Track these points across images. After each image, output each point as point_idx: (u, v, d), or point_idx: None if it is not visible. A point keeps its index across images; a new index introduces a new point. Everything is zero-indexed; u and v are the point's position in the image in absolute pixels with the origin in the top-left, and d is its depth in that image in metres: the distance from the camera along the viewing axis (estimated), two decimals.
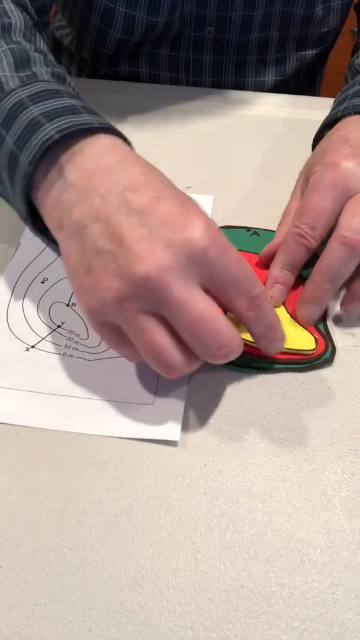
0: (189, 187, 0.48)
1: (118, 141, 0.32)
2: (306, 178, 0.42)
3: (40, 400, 0.34)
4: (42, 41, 0.42)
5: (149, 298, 0.28)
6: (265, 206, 0.46)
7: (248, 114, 0.56)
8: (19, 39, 0.39)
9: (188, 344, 0.29)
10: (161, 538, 0.29)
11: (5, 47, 0.37)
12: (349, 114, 0.42)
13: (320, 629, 0.27)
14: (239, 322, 0.32)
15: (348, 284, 0.37)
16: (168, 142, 0.52)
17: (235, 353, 0.30)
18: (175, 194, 0.30)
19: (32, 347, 0.36)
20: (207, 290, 0.29)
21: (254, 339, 0.33)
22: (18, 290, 0.39)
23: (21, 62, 0.36)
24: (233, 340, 0.29)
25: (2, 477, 0.31)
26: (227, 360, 0.30)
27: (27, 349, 0.36)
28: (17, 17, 0.41)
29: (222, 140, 0.53)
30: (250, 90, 0.64)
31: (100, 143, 0.32)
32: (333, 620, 0.27)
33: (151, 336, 0.29)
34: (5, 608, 0.27)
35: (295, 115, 0.56)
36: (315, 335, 0.37)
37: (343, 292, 0.39)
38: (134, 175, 0.30)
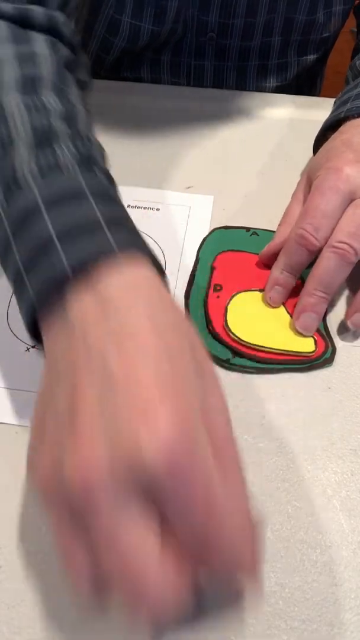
0: (189, 187, 0.48)
1: (143, 271, 0.26)
2: (308, 181, 0.42)
3: None
4: (74, 90, 0.36)
5: (72, 503, 0.21)
6: (265, 206, 0.46)
7: (248, 114, 0.56)
8: (46, 98, 0.33)
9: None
10: None
11: (27, 118, 0.31)
12: (352, 116, 0.42)
13: (320, 629, 0.27)
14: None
15: (355, 293, 0.38)
16: (168, 142, 0.52)
17: (165, 613, 0.21)
18: (166, 360, 0.23)
19: (32, 347, 0.36)
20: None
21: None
22: None
23: (41, 140, 0.30)
24: (161, 596, 0.21)
25: (2, 477, 0.31)
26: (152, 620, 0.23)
27: (27, 349, 0.36)
28: (47, 62, 0.35)
29: (222, 140, 0.53)
30: None
31: (119, 276, 0.25)
32: (333, 620, 0.27)
33: (120, 534, 0.21)
34: (5, 608, 0.27)
35: (296, 115, 0.56)
36: (315, 337, 0.37)
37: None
38: (135, 331, 0.24)
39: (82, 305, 0.25)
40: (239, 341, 0.36)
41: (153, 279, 0.26)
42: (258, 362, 0.36)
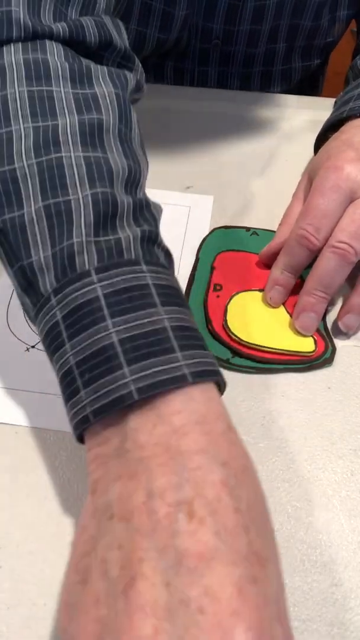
0: (189, 187, 0.48)
1: (214, 405, 0.23)
2: (309, 180, 0.41)
3: (40, 400, 0.34)
4: (137, 131, 0.32)
5: None
6: (265, 206, 0.46)
7: (248, 114, 0.56)
8: (110, 154, 0.29)
9: None
10: None
11: (87, 189, 0.26)
12: (355, 116, 0.42)
13: (320, 629, 0.27)
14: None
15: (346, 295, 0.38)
16: (168, 142, 0.52)
17: None
18: (246, 551, 0.19)
19: (32, 347, 0.36)
20: None
21: None
22: None
23: (105, 218, 0.26)
24: None
25: (2, 477, 0.31)
26: None
27: (27, 349, 0.36)
28: (109, 105, 0.31)
29: (222, 140, 0.53)
30: None
31: (189, 407, 0.23)
32: (333, 620, 0.27)
33: None
34: (5, 608, 0.27)
35: (296, 115, 0.56)
36: (315, 337, 0.37)
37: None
38: (207, 486, 0.20)
39: (145, 433, 0.22)
40: (239, 341, 0.36)
41: (226, 414, 0.24)
42: (258, 362, 0.36)
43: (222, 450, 0.22)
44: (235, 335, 0.37)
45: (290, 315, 0.38)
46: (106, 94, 0.31)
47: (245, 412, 0.34)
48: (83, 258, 0.25)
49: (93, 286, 0.24)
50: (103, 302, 0.24)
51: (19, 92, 0.29)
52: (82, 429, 0.23)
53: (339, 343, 0.37)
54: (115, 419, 0.23)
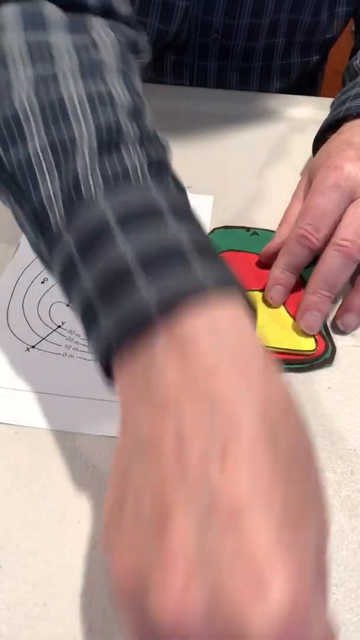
0: (188, 187, 0.48)
1: (242, 330, 0.22)
2: (309, 180, 0.41)
3: (40, 400, 0.34)
4: (138, 77, 0.33)
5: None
6: (265, 206, 0.46)
7: (248, 114, 0.56)
8: (113, 87, 0.29)
9: None
10: None
11: (91, 115, 0.27)
12: (351, 116, 0.42)
13: None
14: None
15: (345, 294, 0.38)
16: (169, 142, 0.52)
17: None
18: (283, 509, 0.18)
19: (32, 347, 0.36)
20: None
21: None
22: (18, 290, 0.39)
23: (107, 142, 0.26)
24: None
25: (2, 477, 0.31)
26: None
27: (27, 349, 0.36)
28: (109, 47, 0.31)
29: (222, 140, 0.53)
30: None
31: (216, 338, 0.21)
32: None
33: None
34: (5, 608, 0.27)
35: (296, 115, 0.56)
36: (315, 337, 0.37)
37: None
38: (243, 431, 0.19)
39: (171, 369, 0.20)
40: None
41: (249, 329, 0.22)
42: None
43: (260, 389, 0.20)
44: None
45: (291, 315, 0.38)
46: (105, 38, 0.31)
47: None
48: (88, 184, 0.25)
49: (101, 207, 0.24)
50: (113, 226, 0.23)
51: (17, 40, 0.30)
52: (107, 361, 0.23)
53: (339, 343, 0.37)
54: (139, 353, 0.21)
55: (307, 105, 0.57)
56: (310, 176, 0.41)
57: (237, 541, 0.17)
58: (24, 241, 0.43)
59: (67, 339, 0.37)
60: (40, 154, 0.26)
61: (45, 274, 0.40)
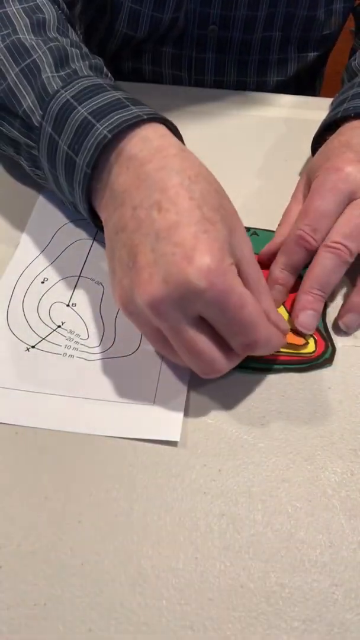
0: None
1: (166, 138, 0.33)
2: (307, 181, 0.42)
3: (40, 400, 0.34)
4: (75, 34, 0.43)
5: (148, 319, 0.31)
6: (265, 206, 0.46)
7: (248, 114, 0.56)
8: (54, 34, 0.40)
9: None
10: (161, 538, 0.29)
11: (44, 47, 0.38)
12: (350, 116, 0.42)
13: (320, 629, 0.27)
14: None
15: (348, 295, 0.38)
16: None
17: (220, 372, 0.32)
18: (199, 217, 0.30)
19: (32, 347, 0.36)
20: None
21: None
22: (18, 290, 0.39)
23: (60, 60, 0.38)
24: (219, 370, 0.31)
25: (2, 477, 0.31)
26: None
27: (27, 349, 0.36)
28: (49, 11, 0.42)
29: (221, 141, 0.53)
30: (252, 89, 0.64)
31: (147, 147, 0.32)
32: (333, 620, 0.27)
33: (187, 336, 0.30)
34: (5, 608, 0.27)
35: (295, 115, 0.56)
36: (315, 337, 0.37)
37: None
38: (168, 188, 0.30)
39: (122, 175, 0.32)
40: None
41: (178, 143, 0.33)
42: (258, 362, 0.36)
43: (177, 164, 0.31)
44: None
45: (291, 316, 0.38)
46: (45, 3, 0.43)
47: (245, 412, 0.34)
48: (52, 85, 0.37)
49: (63, 95, 0.35)
50: (72, 100, 0.35)
51: None
52: (85, 188, 0.34)
53: (339, 343, 0.37)
54: (101, 174, 0.34)
55: (306, 106, 0.57)
56: (309, 177, 0.42)
57: (173, 241, 0.29)
58: (24, 241, 0.43)
59: (67, 339, 0.37)
60: (17, 81, 0.38)
61: (46, 274, 0.40)
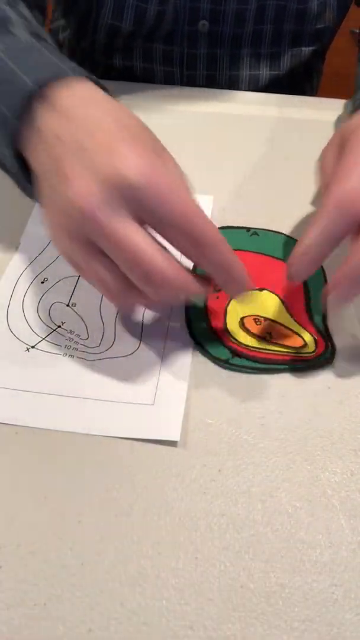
0: None
1: (93, 91, 0.33)
2: (340, 145, 0.38)
3: (40, 400, 0.34)
4: (26, 9, 0.42)
5: (83, 229, 0.29)
6: (265, 206, 0.46)
7: (248, 114, 0.56)
8: (2, 6, 0.39)
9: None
10: (161, 538, 0.29)
11: None
12: None
13: (320, 629, 0.27)
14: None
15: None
16: (167, 142, 0.52)
17: (174, 285, 0.30)
18: (129, 136, 0.30)
19: (32, 347, 0.36)
20: (145, 222, 0.30)
21: (216, 282, 0.32)
22: (18, 290, 0.39)
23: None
24: (166, 273, 0.29)
25: (2, 477, 0.31)
26: (167, 291, 0.30)
27: (27, 349, 0.36)
28: None
29: (221, 140, 0.53)
30: (245, 84, 0.65)
31: (74, 94, 0.32)
32: (333, 620, 0.27)
33: (126, 236, 0.29)
34: (5, 608, 0.27)
35: (295, 115, 0.56)
36: (315, 336, 0.37)
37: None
38: (98, 128, 0.31)
39: (49, 119, 0.32)
40: (238, 343, 0.36)
41: (102, 93, 0.34)
42: (257, 362, 0.36)
43: (107, 108, 0.32)
44: (235, 339, 0.37)
45: (291, 315, 0.38)
46: None
47: (245, 412, 0.34)
48: None
49: None
50: (1, 55, 0.34)
51: None
52: (11, 139, 0.33)
53: (339, 343, 0.37)
54: (29, 123, 0.32)
55: (306, 106, 0.58)
56: (342, 139, 0.37)
57: (103, 148, 0.29)
58: (24, 241, 0.43)
59: (67, 339, 0.37)
60: None
61: (46, 274, 0.40)
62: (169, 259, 0.30)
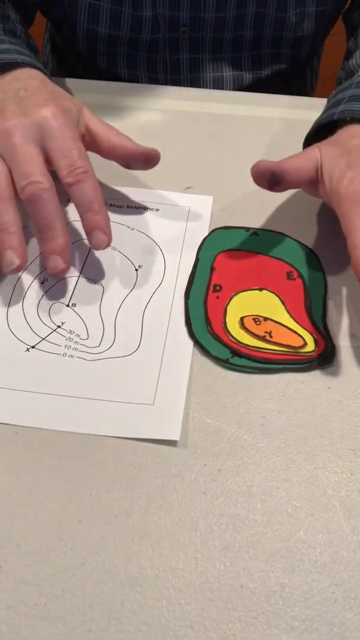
0: (188, 187, 0.48)
1: (37, 73, 0.43)
2: (318, 163, 0.39)
3: (40, 400, 0.34)
4: (13, 10, 0.51)
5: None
6: (265, 206, 0.46)
7: (248, 115, 0.56)
8: None
9: None
10: (161, 538, 0.29)
11: None
12: (345, 119, 0.41)
13: (320, 629, 0.27)
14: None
15: None
16: (167, 142, 0.52)
17: (37, 187, 0.37)
18: (53, 97, 0.40)
19: (32, 347, 0.36)
20: (46, 154, 0.38)
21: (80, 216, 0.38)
22: (18, 290, 0.39)
23: None
24: (35, 174, 0.37)
25: (2, 477, 0.31)
26: (36, 194, 0.37)
27: (27, 349, 0.36)
28: None
29: (221, 141, 0.53)
30: (230, 84, 0.65)
31: (20, 74, 0.42)
32: (333, 620, 0.27)
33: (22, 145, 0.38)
34: (5, 608, 0.27)
35: (295, 115, 0.56)
36: (315, 336, 0.37)
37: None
38: (31, 85, 0.41)
39: (2, 79, 0.41)
40: (238, 343, 0.36)
41: (41, 75, 0.43)
42: (258, 362, 0.36)
43: (38, 79, 0.42)
44: (235, 338, 0.37)
45: (290, 315, 0.38)
46: None
47: (245, 412, 0.34)
48: None
49: None
50: None
51: None
52: None
53: (339, 343, 0.37)
54: None
55: (306, 107, 0.57)
56: (330, 182, 0.39)
57: (33, 101, 0.39)
58: None
59: (67, 339, 0.37)
60: None
61: (45, 274, 0.40)
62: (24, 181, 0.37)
